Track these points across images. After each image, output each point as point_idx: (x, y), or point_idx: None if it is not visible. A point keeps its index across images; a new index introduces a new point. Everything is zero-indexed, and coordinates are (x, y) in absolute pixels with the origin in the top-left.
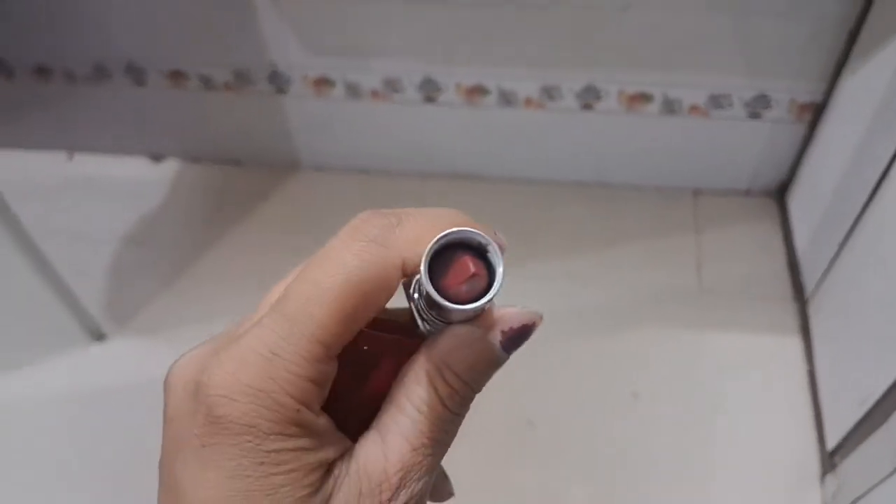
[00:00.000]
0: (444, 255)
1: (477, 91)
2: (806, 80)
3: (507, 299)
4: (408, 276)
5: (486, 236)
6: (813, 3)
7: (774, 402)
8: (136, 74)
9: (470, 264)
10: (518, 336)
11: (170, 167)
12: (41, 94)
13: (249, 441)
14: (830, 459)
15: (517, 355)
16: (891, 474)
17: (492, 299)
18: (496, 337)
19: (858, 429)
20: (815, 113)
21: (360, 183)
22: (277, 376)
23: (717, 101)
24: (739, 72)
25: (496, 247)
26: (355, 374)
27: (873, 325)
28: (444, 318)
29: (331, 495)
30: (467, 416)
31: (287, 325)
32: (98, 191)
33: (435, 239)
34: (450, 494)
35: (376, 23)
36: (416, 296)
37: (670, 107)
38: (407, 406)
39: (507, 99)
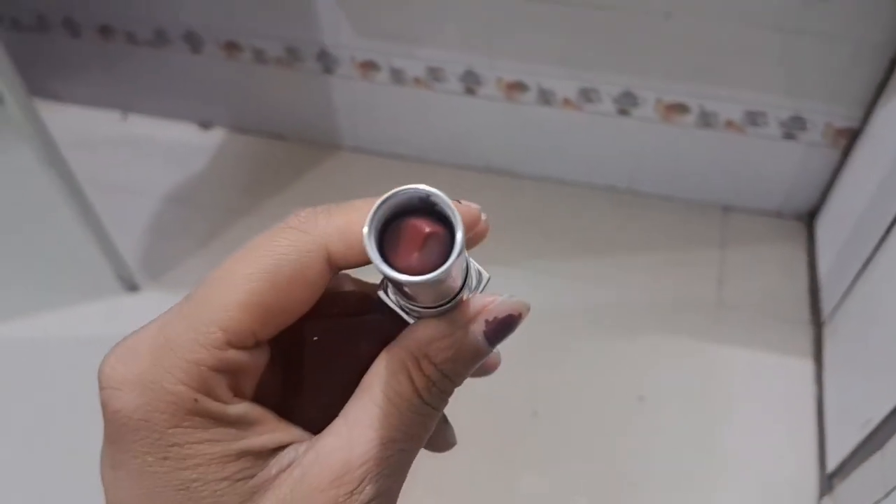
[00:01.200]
0: (402, 228)
1: (517, 87)
2: (843, 105)
3: (519, 291)
4: (337, 266)
5: (431, 189)
6: (856, 27)
7: (779, 421)
8: (193, 42)
9: (423, 226)
10: (502, 327)
11: (217, 135)
12: (103, 53)
13: (147, 436)
14: (829, 482)
15: (526, 346)
16: (883, 498)
17: (451, 267)
18: (479, 327)
19: (858, 452)
20: (850, 139)
21: (396, 168)
22: (169, 364)
23: (753, 118)
24: (777, 90)
25: (445, 198)
26: (317, 363)
27: (883, 350)
28: (414, 302)
29: (271, 484)
30: (472, 400)
31: (188, 310)
32: (147, 151)
33: (377, 203)
34: (451, 444)
35: (425, 12)
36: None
37: (706, 120)
38: (379, 396)
39: (545, 98)
